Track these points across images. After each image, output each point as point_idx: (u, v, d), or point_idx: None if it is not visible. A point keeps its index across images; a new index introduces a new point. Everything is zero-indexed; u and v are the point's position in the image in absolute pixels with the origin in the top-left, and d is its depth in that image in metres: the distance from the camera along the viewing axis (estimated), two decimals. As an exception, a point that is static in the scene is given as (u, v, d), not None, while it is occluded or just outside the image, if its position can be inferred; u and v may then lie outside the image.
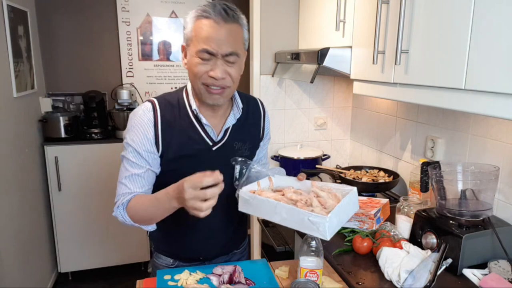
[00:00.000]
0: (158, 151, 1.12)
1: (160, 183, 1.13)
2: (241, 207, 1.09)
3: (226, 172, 1.00)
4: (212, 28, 1.01)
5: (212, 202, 0.91)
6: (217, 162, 1.10)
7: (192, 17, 1.05)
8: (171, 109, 1.13)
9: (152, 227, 1.15)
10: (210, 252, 1.28)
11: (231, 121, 1.19)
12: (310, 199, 1.07)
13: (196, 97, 1.14)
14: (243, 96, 1.26)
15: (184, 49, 1.11)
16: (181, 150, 1.12)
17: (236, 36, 1.05)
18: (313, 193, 1.12)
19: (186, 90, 1.18)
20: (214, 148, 1.17)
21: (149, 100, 1.14)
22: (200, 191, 0.90)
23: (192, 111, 1.14)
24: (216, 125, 1.17)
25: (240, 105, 1.21)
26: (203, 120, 1.14)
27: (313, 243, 1.05)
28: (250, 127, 1.26)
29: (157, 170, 1.15)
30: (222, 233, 1.28)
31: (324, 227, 0.92)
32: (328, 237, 0.94)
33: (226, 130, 1.18)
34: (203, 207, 0.90)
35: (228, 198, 1.15)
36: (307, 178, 1.20)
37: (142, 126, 1.09)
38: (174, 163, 1.13)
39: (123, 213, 1.10)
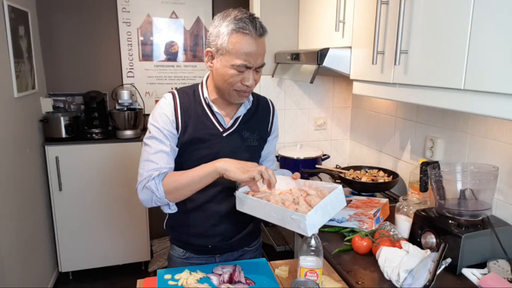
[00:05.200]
0: (177, 133, 1.24)
1: (176, 164, 1.24)
2: (238, 207, 1.16)
3: (234, 158, 1.15)
4: (251, 45, 1.12)
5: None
6: (227, 147, 1.25)
7: (229, 30, 1.12)
8: (187, 97, 1.27)
9: (174, 208, 1.24)
10: (218, 241, 1.31)
11: (241, 111, 1.30)
12: (297, 198, 1.13)
13: (218, 93, 1.25)
14: (255, 94, 1.38)
15: (209, 53, 1.19)
16: (196, 133, 1.24)
17: (264, 48, 1.19)
18: (304, 192, 1.17)
19: (202, 83, 1.29)
20: (224, 135, 1.27)
21: (169, 91, 1.29)
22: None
23: (204, 99, 1.26)
24: (228, 114, 1.29)
25: (251, 98, 1.32)
26: (214, 108, 1.26)
27: (313, 242, 1.06)
28: (259, 120, 1.36)
29: (177, 150, 1.25)
30: (229, 221, 1.30)
31: (305, 224, 0.98)
32: (309, 233, 1.00)
33: (236, 119, 1.29)
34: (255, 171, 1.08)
35: (233, 188, 1.23)
36: (307, 178, 1.22)
37: (164, 109, 1.23)
38: (189, 145, 1.24)
39: (157, 184, 1.17)
